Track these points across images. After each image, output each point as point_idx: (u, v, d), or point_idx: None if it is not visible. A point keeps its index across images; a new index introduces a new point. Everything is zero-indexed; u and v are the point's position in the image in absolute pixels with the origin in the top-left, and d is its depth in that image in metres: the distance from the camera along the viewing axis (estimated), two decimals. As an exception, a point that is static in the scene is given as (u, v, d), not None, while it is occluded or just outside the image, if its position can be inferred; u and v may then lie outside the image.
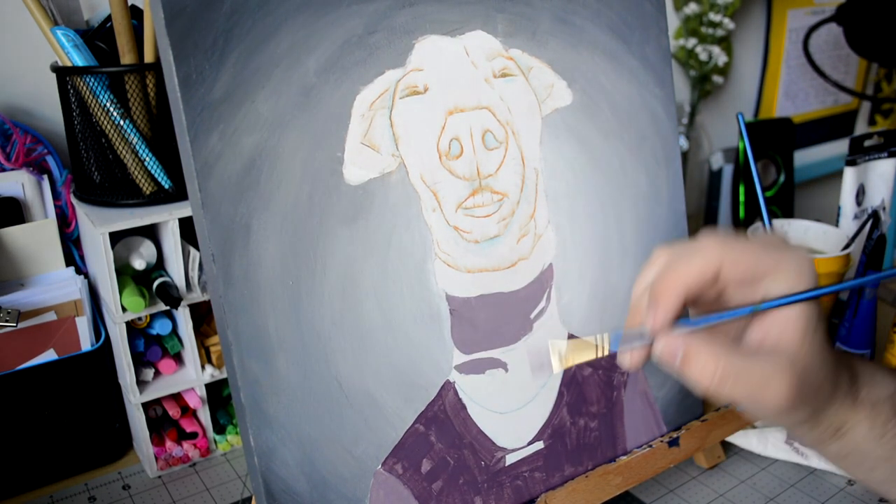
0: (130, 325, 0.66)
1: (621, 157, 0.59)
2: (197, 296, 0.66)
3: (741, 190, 1.01)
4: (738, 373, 0.41)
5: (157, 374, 0.69)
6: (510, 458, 0.55)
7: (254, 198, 0.45)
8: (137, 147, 0.64)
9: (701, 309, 0.45)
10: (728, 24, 1.13)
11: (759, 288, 0.43)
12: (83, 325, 0.67)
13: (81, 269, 0.72)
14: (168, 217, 0.63)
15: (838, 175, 0.87)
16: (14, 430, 0.65)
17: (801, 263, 0.43)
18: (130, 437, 0.72)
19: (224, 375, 0.69)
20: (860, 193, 0.85)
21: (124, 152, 0.64)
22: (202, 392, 0.69)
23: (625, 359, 0.44)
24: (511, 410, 0.55)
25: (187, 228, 0.64)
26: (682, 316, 0.43)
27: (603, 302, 0.59)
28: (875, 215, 0.77)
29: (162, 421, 0.70)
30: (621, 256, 0.60)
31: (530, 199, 0.54)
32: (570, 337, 0.57)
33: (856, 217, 0.85)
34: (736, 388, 0.42)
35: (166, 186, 0.65)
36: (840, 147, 1.44)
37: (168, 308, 0.65)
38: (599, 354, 0.44)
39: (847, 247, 0.79)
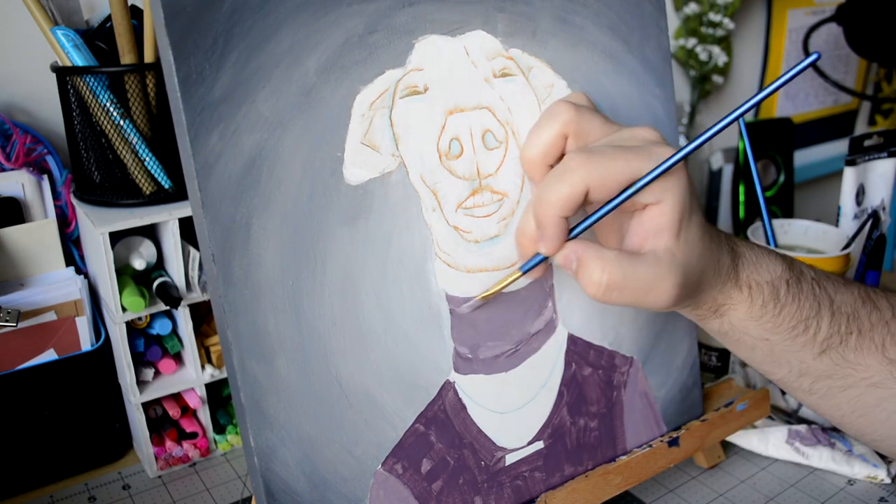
0: (130, 325, 0.66)
1: (621, 156, 0.59)
2: (197, 296, 0.66)
3: (741, 190, 1.01)
4: (623, 279, 0.44)
5: (157, 374, 0.69)
6: (510, 458, 0.55)
7: (254, 198, 0.45)
8: (137, 147, 0.64)
9: (591, 208, 0.48)
10: (728, 24, 1.13)
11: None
12: (83, 325, 0.67)
13: (81, 269, 0.72)
14: (168, 217, 0.63)
15: (838, 175, 0.87)
16: (14, 430, 0.65)
17: (661, 156, 0.45)
18: (130, 437, 0.72)
19: (224, 375, 0.69)
20: (860, 193, 0.85)
21: (124, 152, 0.64)
22: (202, 392, 0.69)
23: (533, 273, 0.49)
24: (511, 410, 0.55)
25: (187, 228, 0.64)
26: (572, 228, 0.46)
27: (603, 302, 0.59)
28: (875, 215, 0.77)
29: (162, 421, 0.70)
30: (621, 256, 0.60)
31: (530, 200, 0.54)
32: (571, 337, 0.57)
33: (856, 217, 0.85)
34: (623, 294, 0.45)
35: (166, 186, 0.65)
36: (840, 147, 1.44)
37: (168, 308, 0.65)
38: (512, 279, 0.50)
39: (847, 247, 0.79)
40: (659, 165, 0.44)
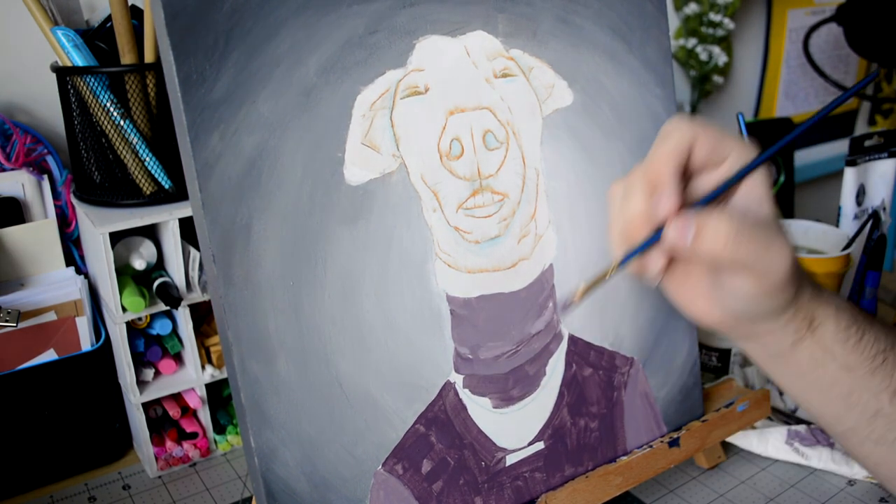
0: (130, 325, 0.66)
1: (622, 157, 0.59)
2: (197, 296, 0.66)
3: (741, 190, 1.00)
4: (751, 231, 0.43)
5: (157, 374, 0.69)
6: (510, 459, 0.55)
7: (254, 198, 0.45)
8: (137, 147, 0.64)
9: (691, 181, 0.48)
10: (728, 24, 1.13)
11: (723, 168, 0.46)
12: (83, 325, 0.67)
13: (81, 269, 0.72)
14: (168, 217, 0.63)
15: (838, 175, 0.87)
16: (14, 430, 0.65)
17: (747, 145, 0.47)
18: (130, 437, 0.72)
19: (224, 375, 0.69)
20: (860, 193, 0.85)
21: (124, 152, 0.64)
22: (202, 392, 0.69)
23: (648, 264, 0.46)
24: (511, 411, 0.55)
25: (187, 228, 0.64)
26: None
27: (603, 302, 0.59)
28: (875, 215, 0.77)
29: (162, 421, 0.70)
30: (622, 257, 0.60)
31: (531, 200, 0.54)
32: (571, 337, 0.57)
33: (856, 217, 0.85)
34: (750, 246, 0.43)
35: (166, 186, 0.65)
36: (840, 147, 1.44)
37: (168, 308, 0.65)
38: (611, 273, 0.45)
39: (847, 247, 0.79)
40: (776, 144, 0.46)
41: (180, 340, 0.69)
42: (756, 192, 0.46)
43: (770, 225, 0.45)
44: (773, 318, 0.48)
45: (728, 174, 0.46)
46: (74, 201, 0.68)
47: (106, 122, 0.63)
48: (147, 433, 0.67)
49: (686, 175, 0.46)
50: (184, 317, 0.66)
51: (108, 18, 0.64)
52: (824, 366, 0.49)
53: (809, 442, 0.68)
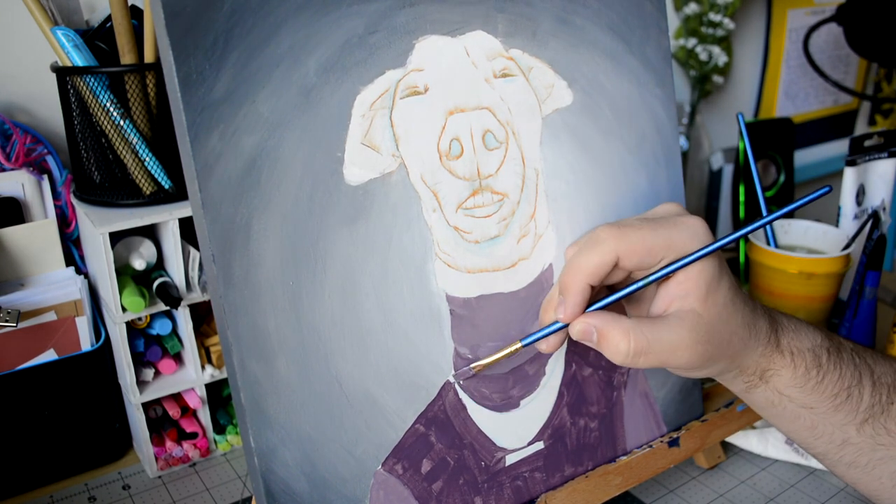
0: (130, 325, 0.66)
1: (621, 157, 0.59)
2: (197, 296, 0.66)
3: (741, 190, 1.01)
4: (648, 344, 0.45)
5: (157, 374, 0.69)
6: (510, 459, 0.55)
7: (254, 198, 0.45)
8: (137, 147, 0.64)
9: (614, 288, 0.49)
10: (728, 24, 1.13)
11: (659, 266, 0.47)
12: (83, 325, 0.67)
13: (81, 269, 0.72)
14: (168, 217, 0.63)
15: (838, 175, 0.87)
16: (14, 430, 0.65)
17: (694, 230, 0.46)
18: (130, 437, 0.72)
19: (224, 375, 0.69)
20: (860, 193, 0.85)
21: (124, 152, 0.64)
22: (202, 392, 0.69)
23: (541, 345, 0.49)
24: (511, 411, 0.55)
25: (187, 228, 0.64)
26: (591, 302, 0.48)
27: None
28: (875, 215, 0.77)
29: (162, 421, 0.70)
30: (621, 257, 0.60)
31: (531, 200, 0.54)
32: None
33: (856, 217, 0.85)
34: (648, 358, 0.45)
35: (166, 186, 0.65)
36: (840, 147, 1.44)
37: (168, 308, 0.65)
38: (511, 350, 0.50)
39: (847, 247, 0.79)
40: (698, 251, 0.46)
41: (180, 340, 0.69)
42: (684, 286, 0.46)
43: (681, 324, 0.46)
44: (714, 376, 0.50)
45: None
46: (74, 201, 0.68)
47: (106, 122, 0.63)
48: (147, 433, 0.67)
49: (622, 273, 0.47)
50: (184, 317, 0.66)
51: (108, 18, 0.64)
52: (782, 405, 0.50)
53: (809, 442, 0.68)
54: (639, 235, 0.46)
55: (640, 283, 0.47)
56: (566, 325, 0.48)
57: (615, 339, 0.45)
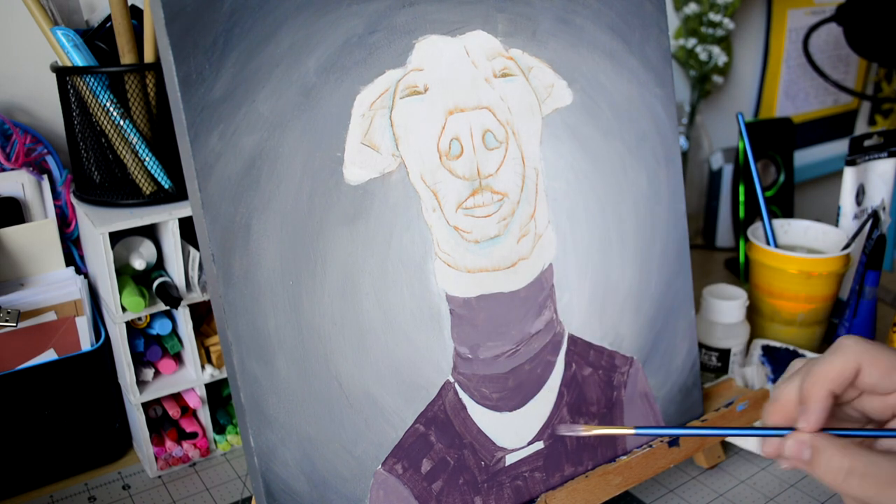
0: (130, 325, 0.66)
1: (621, 157, 0.59)
2: (197, 296, 0.66)
3: (741, 190, 1.01)
4: (866, 468, 0.42)
5: (157, 374, 0.69)
6: (510, 458, 0.55)
7: (254, 198, 0.45)
8: (137, 147, 0.64)
9: (837, 416, 0.47)
10: (728, 24, 1.13)
11: (891, 399, 0.44)
12: (83, 325, 0.67)
13: (81, 269, 0.72)
14: (168, 217, 0.63)
15: (838, 175, 0.87)
16: (14, 430, 0.65)
17: None
18: (130, 437, 0.72)
19: (224, 375, 0.69)
20: (860, 193, 0.85)
21: (124, 152, 0.64)
22: (202, 392, 0.69)
23: (770, 450, 0.45)
24: (511, 411, 0.55)
25: (187, 228, 0.64)
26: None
27: (603, 302, 0.59)
28: (875, 215, 0.77)
29: (162, 421, 0.70)
30: (621, 256, 0.60)
31: (530, 199, 0.54)
32: (571, 337, 0.57)
33: (856, 217, 0.85)
34: (864, 483, 0.42)
35: (166, 186, 0.65)
36: (840, 147, 1.44)
37: (168, 308, 0.65)
38: (628, 433, 0.49)
39: (847, 247, 0.79)
40: None
41: (180, 340, 0.69)
42: None
43: None
44: None
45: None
46: (74, 201, 0.68)
47: (106, 122, 0.63)
48: (147, 433, 0.67)
49: (854, 393, 0.45)
50: (184, 317, 0.66)
51: (108, 18, 0.64)
52: None
53: (809, 442, 0.67)
54: (884, 350, 0.44)
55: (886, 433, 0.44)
56: (785, 433, 0.45)
57: (831, 454, 0.42)
